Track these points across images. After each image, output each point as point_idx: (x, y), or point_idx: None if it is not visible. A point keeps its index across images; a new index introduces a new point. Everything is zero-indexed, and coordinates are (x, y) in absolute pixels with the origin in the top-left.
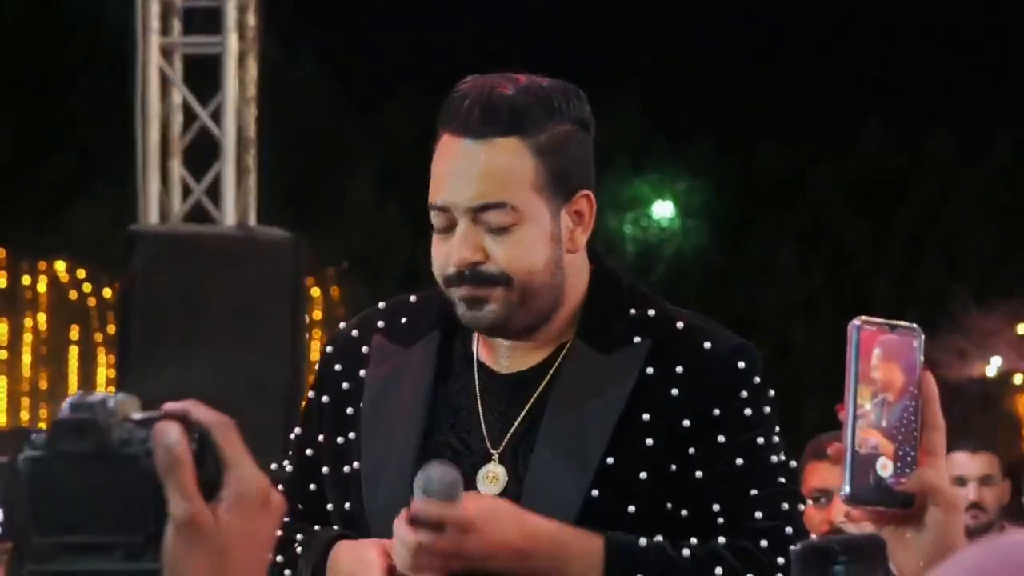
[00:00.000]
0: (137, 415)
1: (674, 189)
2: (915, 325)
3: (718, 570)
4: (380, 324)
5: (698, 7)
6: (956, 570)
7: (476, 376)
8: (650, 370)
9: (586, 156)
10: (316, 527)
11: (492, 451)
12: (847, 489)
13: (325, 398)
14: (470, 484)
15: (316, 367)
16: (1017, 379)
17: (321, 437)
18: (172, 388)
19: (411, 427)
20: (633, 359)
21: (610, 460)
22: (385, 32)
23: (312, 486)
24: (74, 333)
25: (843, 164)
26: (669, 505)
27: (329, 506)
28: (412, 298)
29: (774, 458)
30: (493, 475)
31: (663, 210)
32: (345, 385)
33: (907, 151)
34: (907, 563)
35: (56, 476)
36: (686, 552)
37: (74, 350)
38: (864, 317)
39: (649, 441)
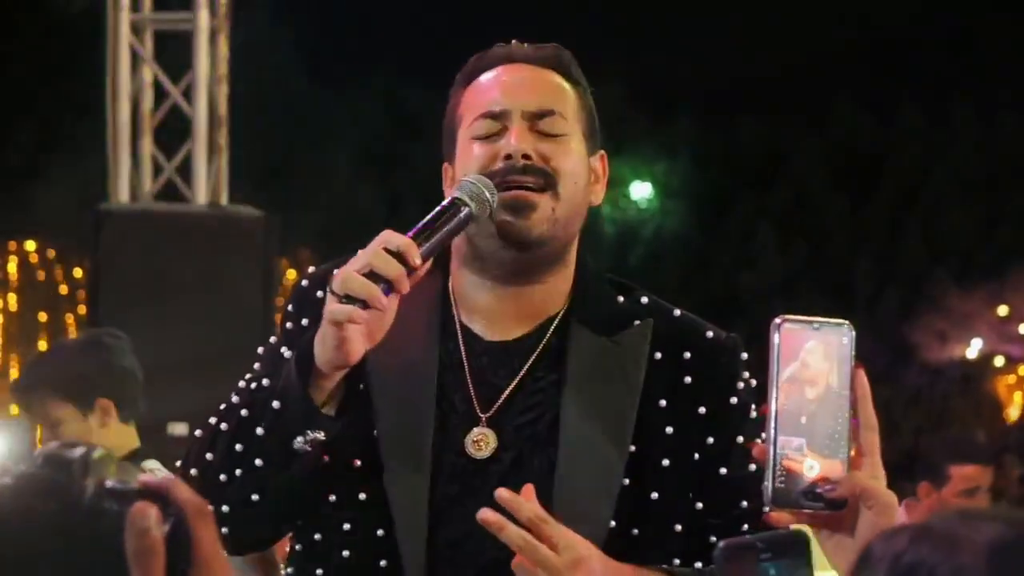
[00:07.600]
0: (111, 482)
1: (653, 170)
2: (845, 321)
3: None
4: None
5: None
6: None
7: (461, 338)
8: (658, 355)
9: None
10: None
11: (481, 414)
12: (768, 494)
13: (305, 320)
14: (457, 445)
15: (289, 301)
16: (998, 361)
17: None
18: (143, 368)
19: (424, 377)
20: (639, 340)
21: (633, 448)
22: (359, 11)
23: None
24: (43, 315)
25: (823, 140)
26: (690, 495)
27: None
28: None
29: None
30: (483, 438)
31: (641, 191)
32: None
33: (883, 126)
34: (843, 566)
35: (14, 533)
36: None
37: (44, 331)
38: (786, 315)
39: (669, 429)
